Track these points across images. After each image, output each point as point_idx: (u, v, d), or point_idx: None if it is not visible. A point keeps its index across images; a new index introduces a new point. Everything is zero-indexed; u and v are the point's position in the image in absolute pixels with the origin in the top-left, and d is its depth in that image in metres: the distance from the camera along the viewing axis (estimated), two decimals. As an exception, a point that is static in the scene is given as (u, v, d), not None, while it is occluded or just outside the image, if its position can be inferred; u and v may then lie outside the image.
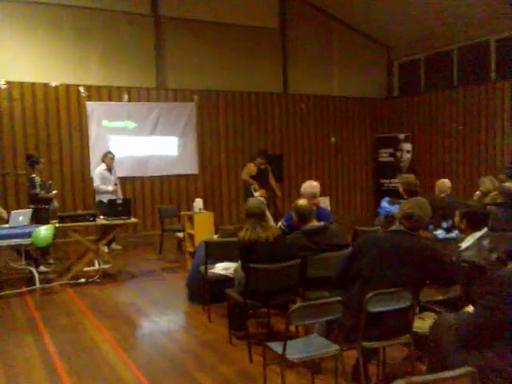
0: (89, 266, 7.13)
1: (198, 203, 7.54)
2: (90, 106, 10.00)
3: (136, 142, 10.46)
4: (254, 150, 11.85)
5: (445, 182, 6.64)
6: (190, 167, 11.11)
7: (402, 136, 12.96)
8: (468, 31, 11.35)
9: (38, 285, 6.40)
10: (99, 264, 7.07)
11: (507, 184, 5.66)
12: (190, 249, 7.58)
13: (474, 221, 3.64)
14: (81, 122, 10.00)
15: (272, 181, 9.50)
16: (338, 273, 3.56)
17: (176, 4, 10.74)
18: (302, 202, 4.38)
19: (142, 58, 10.53)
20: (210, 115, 11.33)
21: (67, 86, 9.85)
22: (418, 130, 12.78)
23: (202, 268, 5.29)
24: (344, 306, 3.09)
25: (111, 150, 9.32)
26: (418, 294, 3.27)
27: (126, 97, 10.34)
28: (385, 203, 5.15)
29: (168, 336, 4.75)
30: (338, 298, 3.06)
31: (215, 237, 6.34)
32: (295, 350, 3.06)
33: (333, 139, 12.94)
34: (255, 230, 4.14)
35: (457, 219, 3.79)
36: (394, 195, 12.76)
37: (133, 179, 10.47)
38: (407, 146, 12.94)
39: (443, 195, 6.59)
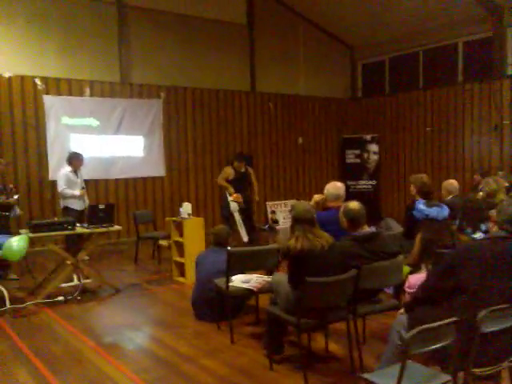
0: (66, 282, 6.27)
1: (187, 208, 6.85)
2: (48, 100, 9.00)
3: (99, 142, 9.56)
4: (222, 150, 11.31)
5: (453, 183, 6.43)
6: (157, 169, 10.34)
7: (368, 137, 12.86)
8: (435, 34, 11.41)
9: (8, 305, 5.52)
10: (79, 279, 6.22)
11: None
12: (177, 258, 6.93)
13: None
14: (37, 118, 8.98)
15: (255, 185, 9.00)
16: (428, 288, 3.09)
17: (142, -7, 9.98)
18: (352, 204, 3.90)
19: (104, 50, 9.65)
20: (178, 113, 10.62)
21: (22, 78, 8.81)
22: (385, 131, 12.73)
23: (220, 282, 4.70)
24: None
25: (72, 149, 8.45)
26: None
27: (87, 91, 9.41)
28: (422, 206, 4.79)
29: (195, 363, 4.07)
30: (454, 318, 2.60)
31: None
32: None
33: (300, 140, 12.62)
34: (307, 237, 3.62)
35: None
36: (360, 197, 12.78)
37: (96, 182, 9.55)
38: (374, 147, 12.86)
39: (451, 197, 6.37)
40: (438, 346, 2.55)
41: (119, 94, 9.82)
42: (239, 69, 11.54)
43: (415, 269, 4.62)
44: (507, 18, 10.06)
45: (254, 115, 11.78)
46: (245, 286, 4.64)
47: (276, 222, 12.07)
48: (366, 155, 12.94)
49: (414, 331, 2.44)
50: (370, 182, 12.96)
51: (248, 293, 4.68)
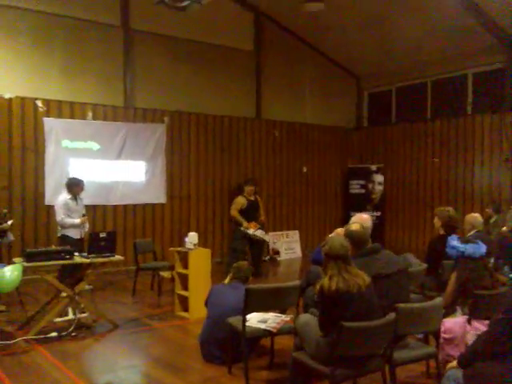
0: (60, 316, 5.79)
1: (193, 238, 6.44)
2: (49, 122, 8.66)
3: (100, 166, 9.19)
4: (225, 177, 10.95)
5: (477, 217, 6.05)
6: (158, 196, 9.95)
7: (373, 167, 12.58)
8: (443, 64, 11.26)
9: (-4, 342, 5.05)
10: (74, 313, 5.73)
11: None
12: (180, 291, 6.47)
13: None
14: (37, 142, 8.62)
15: (263, 215, 8.68)
16: (492, 340, 2.68)
17: (149, 17, 9.66)
18: (354, 226, 3.75)
19: (109, 73, 9.38)
20: (181, 139, 10.30)
21: (22, 99, 8.48)
22: (391, 161, 12.46)
23: (234, 321, 4.26)
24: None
25: (72, 174, 8.09)
26: None
27: (90, 114, 9.09)
28: (455, 242, 4.42)
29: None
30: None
31: (227, 280, 5.25)
32: None
33: (304, 169, 12.31)
34: (343, 276, 3.23)
35: None
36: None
37: (94, 208, 9.12)
38: (379, 178, 12.57)
39: (474, 231, 6.01)
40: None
41: (122, 117, 9.51)
42: (245, 95, 11.31)
43: (449, 311, 4.23)
44: (519, 48, 9.93)
45: (258, 142, 11.49)
46: (262, 326, 4.21)
47: (277, 253, 11.66)
48: (370, 186, 12.64)
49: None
50: (375, 214, 12.61)
51: (265, 334, 4.26)
